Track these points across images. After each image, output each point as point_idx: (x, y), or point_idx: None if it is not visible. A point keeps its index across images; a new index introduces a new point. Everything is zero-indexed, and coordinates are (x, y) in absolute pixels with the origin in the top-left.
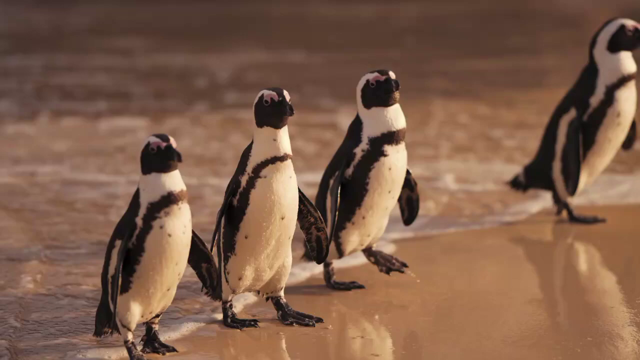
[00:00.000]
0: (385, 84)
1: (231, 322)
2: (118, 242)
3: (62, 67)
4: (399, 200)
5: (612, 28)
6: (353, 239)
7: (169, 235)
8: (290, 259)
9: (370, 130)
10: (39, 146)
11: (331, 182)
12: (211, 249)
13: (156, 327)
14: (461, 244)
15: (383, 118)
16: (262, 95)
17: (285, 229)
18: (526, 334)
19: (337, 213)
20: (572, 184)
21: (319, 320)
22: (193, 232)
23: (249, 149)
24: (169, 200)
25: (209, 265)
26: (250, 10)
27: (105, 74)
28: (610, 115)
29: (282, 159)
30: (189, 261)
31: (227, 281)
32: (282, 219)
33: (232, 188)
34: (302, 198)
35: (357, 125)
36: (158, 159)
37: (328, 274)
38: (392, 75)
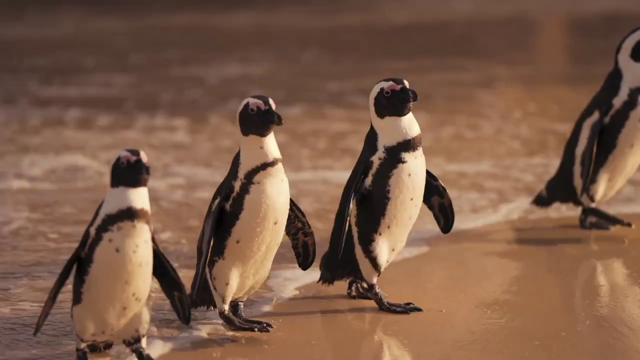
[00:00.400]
0: (401, 94)
1: (239, 324)
2: (75, 250)
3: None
4: (432, 209)
5: (637, 36)
6: (384, 251)
7: (116, 251)
8: (268, 271)
9: (386, 140)
10: None
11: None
12: (206, 256)
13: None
14: (407, 249)
15: (398, 127)
16: (247, 103)
17: (277, 235)
18: (475, 338)
19: (347, 224)
20: (583, 181)
21: (268, 327)
22: (165, 258)
23: (238, 155)
24: (125, 215)
25: (180, 294)
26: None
27: None
28: (633, 118)
29: (272, 164)
30: (162, 289)
31: (214, 289)
32: (275, 223)
33: (225, 193)
34: (290, 202)
35: (372, 136)
36: (127, 172)
37: (377, 296)
38: (407, 84)
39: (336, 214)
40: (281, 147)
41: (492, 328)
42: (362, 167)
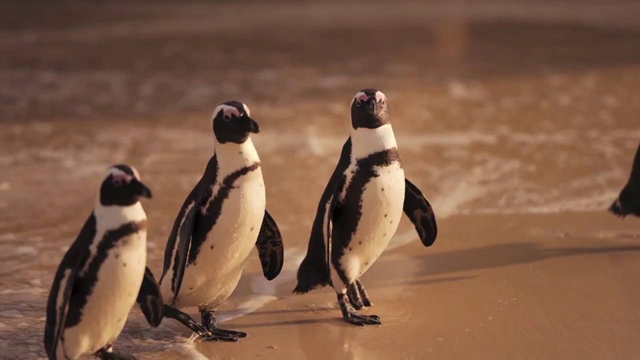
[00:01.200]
0: (367, 104)
1: (214, 333)
2: (68, 271)
3: None
4: (414, 221)
5: None
6: (354, 265)
7: (124, 265)
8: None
9: (358, 152)
10: None
11: (327, 206)
12: (184, 261)
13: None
14: None
15: (370, 138)
16: (222, 110)
17: (251, 241)
18: (380, 335)
19: (330, 240)
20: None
21: (242, 335)
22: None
23: (214, 160)
24: (129, 229)
25: (154, 298)
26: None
27: None
28: None
29: (253, 168)
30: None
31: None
32: (252, 229)
33: (202, 197)
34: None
35: (347, 147)
36: (123, 192)
37: (343, 306)
38: (377, 95)
39: (313, 224)
40: None
41: (395, 325)
42: (337, 181)
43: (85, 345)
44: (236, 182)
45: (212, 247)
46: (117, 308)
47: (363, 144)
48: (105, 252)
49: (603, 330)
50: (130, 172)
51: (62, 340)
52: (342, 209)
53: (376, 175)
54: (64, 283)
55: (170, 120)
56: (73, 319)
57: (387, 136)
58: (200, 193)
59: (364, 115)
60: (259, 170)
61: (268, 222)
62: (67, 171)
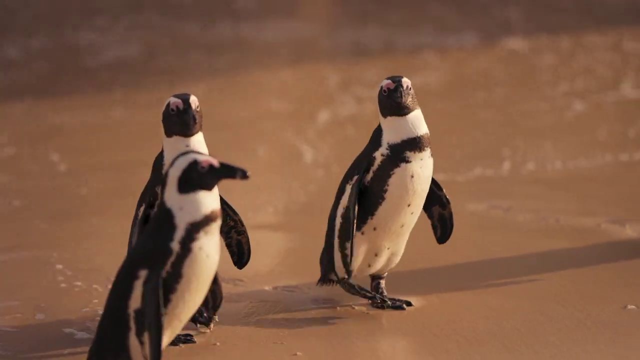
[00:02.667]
0: (394, 92)
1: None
2: (143, 272)
3: None
4: (431, 218)
5: None
6: (359, 253)
7: (207, 257)
8: None
9: (390, 137)
10: None
11: (348, 187)
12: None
13: None
14: None
15: (401, 125)
16: (169, 102)
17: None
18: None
19: (354, 223)
20: None
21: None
22: None
23: (160, 157)
24: (210, 218)
25: (215, 286)
26: None
27: None
28: None
29: None
30: None
31: None
32: None
33: (149, 200)
34: (221, 201)
35: (377, 132)
36: (203, 177)
37: (349, 285)
38: (404, 82)
39: (331, 209)
40: None
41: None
42: (364, 162)
43: (165, 342)
44: None
45: None
46: (197, 301)
47: (394, 130)
48: (189, 247)
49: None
50: (206, 161)
51: (142, 345)
52: (365, 192)
53: (408, 162)
54: (138, 286)
55: None
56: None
57: (418, 122)
58: (146, 195)
59: (393, 104)
60: None
61: (229, 212)
62: None
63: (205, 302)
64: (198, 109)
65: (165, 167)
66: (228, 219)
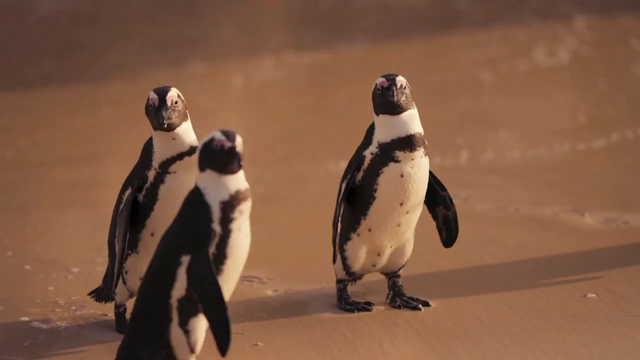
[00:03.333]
0: (387, 91)
1: (124, 328)
2: (186, 258)
3: None
4: (436, 219)
5: None
6: (360, 255)
7: (245, 236)
8: None
9: (380, 135)
10: None
11: (342, 186)
12: (123, 251)
13: None
14: None
15: (393, 124)
16: (149, 97)
17: None
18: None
19: (339, 222)
20: None
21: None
22: None
23: (149, 144)
24: (242, 196)
25: None
26: None
27: None
28: None
29: (189, 153)
30: None
31: (124, 282)
32: None
33: (138, 183)
34: None
35: (370, 130)
36: (222, 158)
37: (339, 291)
38: (398, 81)
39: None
40: None
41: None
42: (355, 161)
43: (204, 333)
44: (172, 168)
45: (152, 235)
46: (234, 282)
47: (385, 129)
48: (229, 228)
49: None
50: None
51: (187, 334)
52: (357, 191)
53: (397, 161)
54: (182, 272)
55: None
56: (196, 306)
57: (411, 122)
58: (135, 179)
59: (385, 102)
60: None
61: None
62: None
63: None
64: (176, 103)
65: (155, 157)
66: None
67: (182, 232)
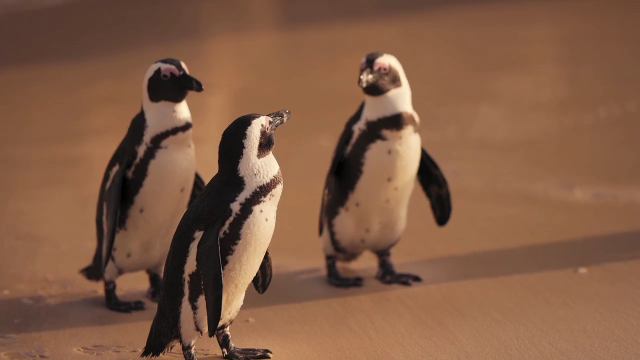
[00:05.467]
0: (360, 72)
1: (115, 305)
2: (199, 234)
3: None
4: (430, 197)
5: None
6: (348, 230)
7: (266, 220)
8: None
9: (368, 113)
10: None
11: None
12: (113, 228)
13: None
14: None
15: (379, 103)
16: (159, 69)
17: (182, 203)
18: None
19: (327, 196)
20: None
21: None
22: None
23: (142, 119)
24: (276, 181)
25: (265, 262)
26: None
27: None
28: None
29: (184, 128)
30: None
31: (112, 259)
32: (182, 190)
33: (128, 159)
34: (195, 176)
35: (361, 105)
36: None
37: (329, 267)
38: (376, 63)
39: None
40: None
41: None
42: (345, 134)
43: (224, 313)
44: (164, 143)
45: (141, 211)
46: (254, 266)
47: (373, 108)
48: (250, 209)
49: None
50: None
51: (194, 309)
52: (345, 165)
53: (384, 139)
54: (194, 247)
55: None
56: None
57: (398, 100)
58: (124, 155)
59: (376, 84)
60: (190, 132)
61: (199, 184)
62: None
63: (255, 280)
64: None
65: (148, 131)
66: (197, 190)
67: (200, 208)
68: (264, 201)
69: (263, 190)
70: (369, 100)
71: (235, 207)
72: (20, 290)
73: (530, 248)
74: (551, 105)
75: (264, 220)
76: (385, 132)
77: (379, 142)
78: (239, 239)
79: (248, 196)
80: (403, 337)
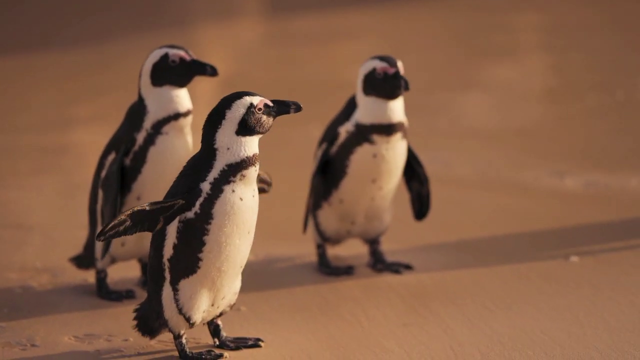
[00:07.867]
0: (394, 80)
1: (106, 293)
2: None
3: None
4: (410, 192)
5: None
6: (331, 222)
7: (241, 199)
8: None
9: (361, 116)
10: None
11: (317, 158)
12: (113, 215)
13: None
14: None
15: (379, 109)
16: (166, 54)
17: None
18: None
19: (310, 196)
20: None
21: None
22: None
23: (141, 105)
24: (249, 161)
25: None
26: None
27: None
28: None
29: (185, 114)
30: None
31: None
32: None
33: (125, 147)
34: None
35: (351, 105)
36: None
37: (319, 256)
38: (400, 68)
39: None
40: None
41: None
42: (329, 135)
43: (205, 300)
44: (165, 129)
45: (138, 199)
46: (240, 248)
47: (369, 112)
48: (221, 189)
49: None
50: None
51: (175, 293)
52: (330, 164)
53: (372, 143)
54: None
55: None
56: (190, 267)
57: (396, 109)
58: (121, 143)
59: (387, 89)
60: (190, 118)
61: None
62: None
63: None
64: None
65: (149, 117)
66: None
67: (177, 189)
68: (234, 181)
69: (232, 169)
70: (369, 102)
71: (206, 186)
72: (10, 279)
73: (521, 236)
74: (541, 93)
75: (238, 200)
76: (375, 137)
77: (365, 146)
78: (212, 218)
79: (217, 175)
80: (395, 325)
